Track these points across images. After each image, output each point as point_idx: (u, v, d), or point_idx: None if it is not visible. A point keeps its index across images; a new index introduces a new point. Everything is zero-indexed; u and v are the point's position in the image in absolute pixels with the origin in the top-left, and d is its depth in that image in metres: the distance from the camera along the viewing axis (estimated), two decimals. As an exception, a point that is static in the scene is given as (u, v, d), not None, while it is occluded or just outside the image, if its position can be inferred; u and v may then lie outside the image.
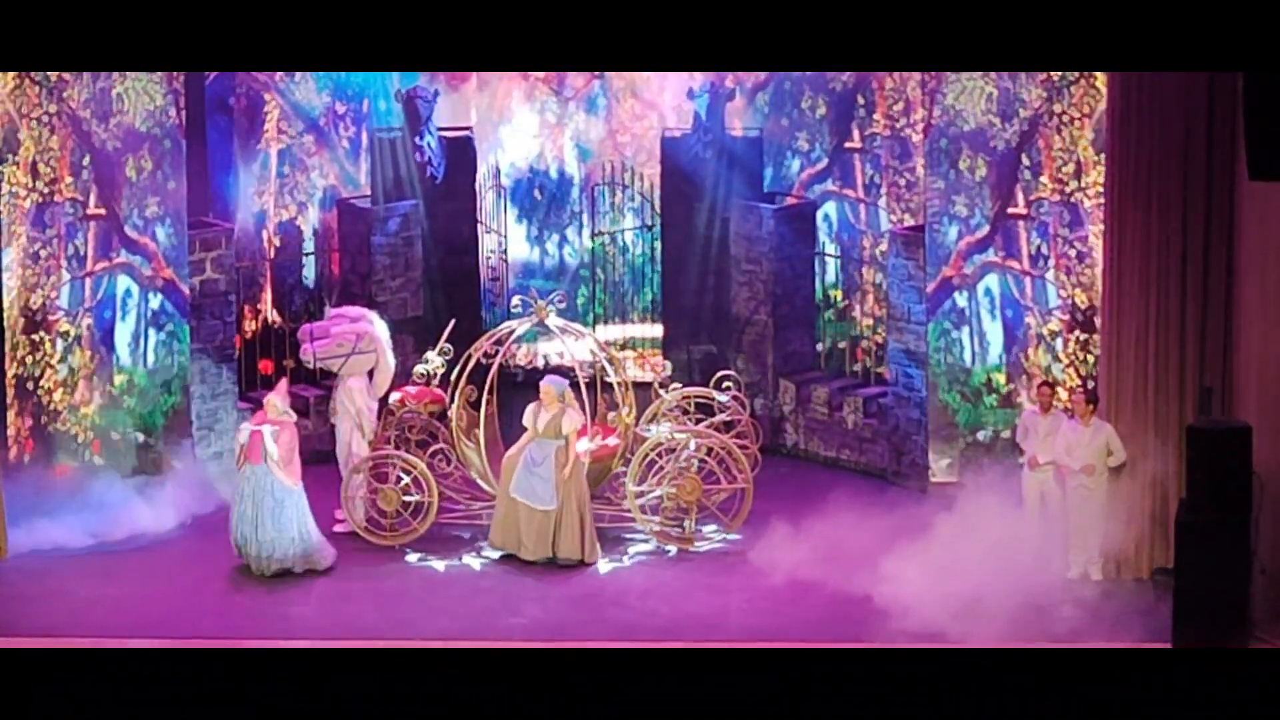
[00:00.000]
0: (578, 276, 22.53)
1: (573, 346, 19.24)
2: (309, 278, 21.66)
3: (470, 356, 19.06)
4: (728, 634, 16.87)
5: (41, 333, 18.98)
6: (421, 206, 21.39)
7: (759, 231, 21.15)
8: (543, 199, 22.60)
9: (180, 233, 19.65)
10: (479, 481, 19.04)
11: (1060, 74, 18.48)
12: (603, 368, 19.27)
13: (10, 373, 18.79)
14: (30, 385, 18.95)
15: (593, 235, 22.38)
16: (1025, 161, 18.96)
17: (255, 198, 21.10)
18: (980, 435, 19.58)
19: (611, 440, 19.09)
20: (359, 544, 18.69)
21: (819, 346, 21.52)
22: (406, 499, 18.68)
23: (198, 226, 19.93)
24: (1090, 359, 18.65)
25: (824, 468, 20.75)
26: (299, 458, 18.18)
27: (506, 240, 22.40)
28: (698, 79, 21.22)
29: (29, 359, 18.93)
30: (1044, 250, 19.02)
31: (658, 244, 22.03)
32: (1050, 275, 19.01)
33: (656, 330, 22.25)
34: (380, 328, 19.29)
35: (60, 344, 19.10)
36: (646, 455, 18.74)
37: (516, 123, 22.46)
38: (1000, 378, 19.47)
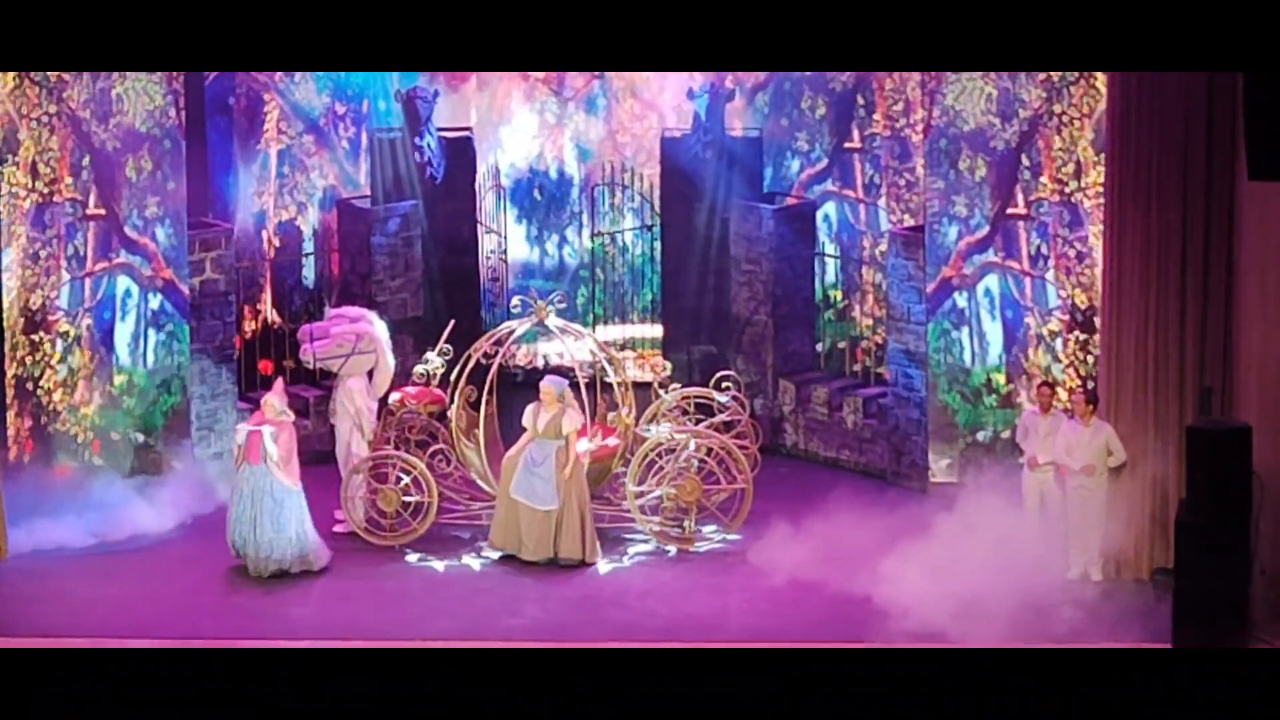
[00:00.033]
0: (577, 277, 22.53)
1: (572, 347, 19.24)
2: (309, 278, 21.66)
3: (470, 357, 19.05)
4: (727, 634, 16.87)
5: (41, 333, 18.97)
6: (421, 207, 21.39)
7: (759, 232, 21.15)
8: (542, 199, 22.60)
9: (180, 233, 19.65)
10: (479, 482, 19.03)
11: (1060, 74, 18.48)
12: (602, 368, 19.27)
13: (10, 373, 18.79)
14: (30, 385, 18.95)
15: (592, 235, 22.38)
16: (1025, 162, 18.96)
17: (255, 198, 21.10)
18: (980, 435, 19.58)
19: (611, 440, 19.09)
20: (359, 544, 18.69)
21: (819, 347, 21.52)
22: (406, 499, 18.67)
23: (198, 227, 19.92)
24: (1090, 359, 18.65)
25: (824, 468, 20.74)
26: (297, 458, 18.18)
27: (506, 240, 22.40)
28: (697, 79, 21.22)
29: (29, 359, 18.93)
30: (1044, 250, 19.02)
31: (657, 244, 22.03)
32: (1050, 275, 19.00)
33: (656, 330, 22.26)
34: (380, 328, 19.28)
35: (60, 344, 19.09)
36: (646, 455, 18.74)
37: (516, 123, 22.46)
38: (1000, 378, 19.46)
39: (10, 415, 18.77)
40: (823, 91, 21.23)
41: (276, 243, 21.38)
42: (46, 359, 19.02)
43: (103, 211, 19.21)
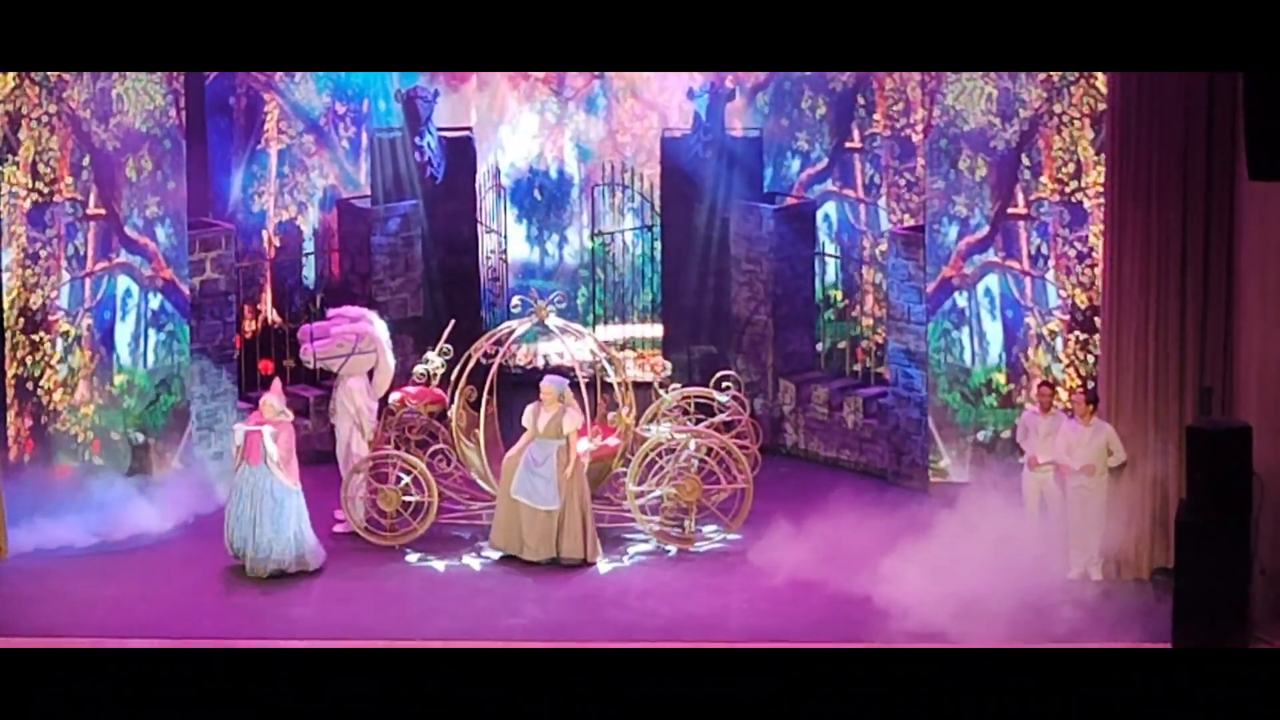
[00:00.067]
0: (578, 277, 22.53)
1: (573, 347, 19.24)
2: (309, 278, 21.66)
3: (470, 357, 19.05)
4: (728, 634, 16.86)
5: (41, 333, 18.97)
6: (421, 207, 21.39)
7: (759, 231, 21.15)
8: (543, 199, 22.60)
9: (180, 233, 19.65)
10: (479, 482, 19.03)
11: (1060, 74, 18.48)
12: (603, 368, 19.27)
13: (10, 373, 18.79)
14: (30, 385, 18.95)
15: (593, 235, 22.37)
16: (1025, 161, 18.96)
17: (255, 198, 21.10)
18: (980, 435, 19.58)
19: (611, 440, 19.09)
20: (359, 544, 18.70)
21: (819, 346, 21.52)
22: (406, 499, 18.67)
23: (198, 227, 19.92)
24: (1090, 359, 18.65)
25: (824, 468, 20.74)
26: (296, 458, 18.19)
27: (506, 240, 22.40)
28: (698, 79, 21.23)
29: (29, 359, 18.93)
30: (1044, 250, 19.02)
31: (658, 244, 22.03)
32: (1050, 275, 19.00)
33: (656, 330, 22.26)
34: (380, 328, 19.29)
35: (60, 344, 19.09)
36: (646, 455, 18.74)
37: (516, 123, 22.46)
38: (1000, 378, 19.47)
39: (10, 415, 18.77)
40: (823, 91, 21.23)
41: (277, 243, 21.38)
42: (47, 359, 19.02)
43: (103, 211, 19.22)
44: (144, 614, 17.26)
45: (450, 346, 19.23)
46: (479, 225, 22.09)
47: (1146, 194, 17.41)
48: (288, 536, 17.95)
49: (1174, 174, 17.31)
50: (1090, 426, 17.59)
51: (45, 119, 18.69)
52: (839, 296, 21.49)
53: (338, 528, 18.93)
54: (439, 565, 18.39)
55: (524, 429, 18.46)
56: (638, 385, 19.57)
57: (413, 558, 18.52)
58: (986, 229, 19.34)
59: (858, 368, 21.18)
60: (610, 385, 19.19)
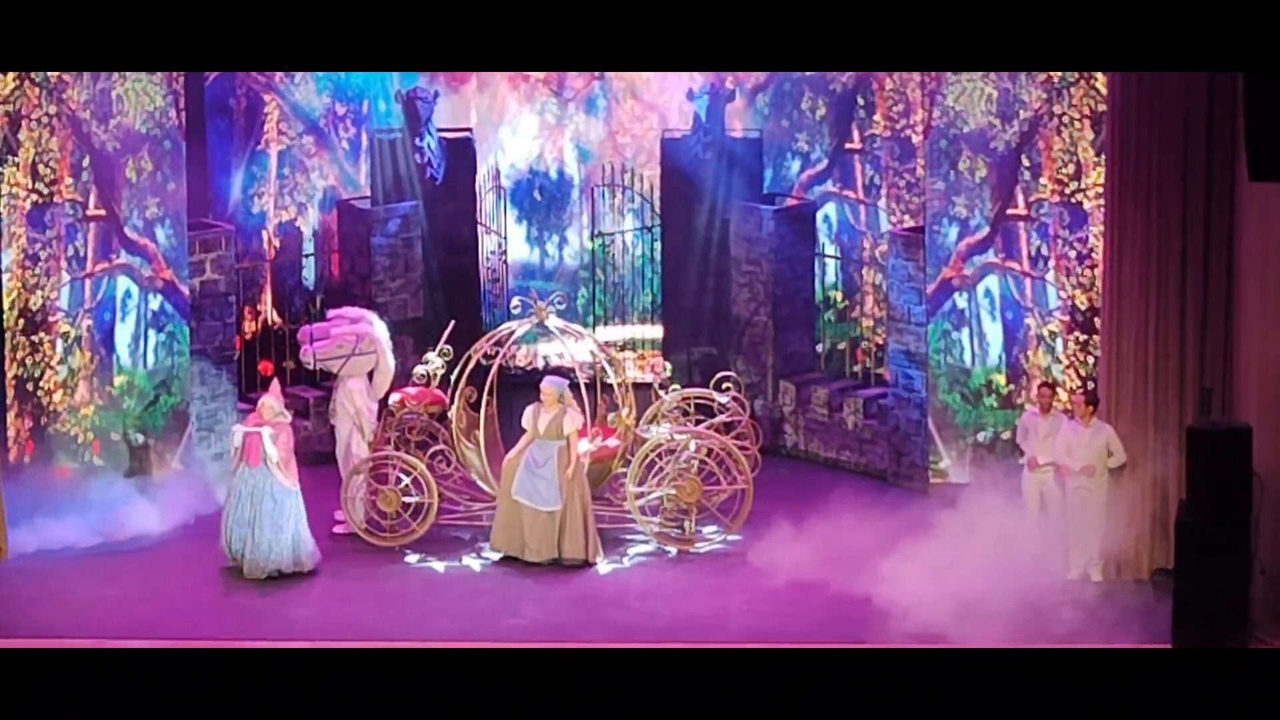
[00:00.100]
0: (577, 278, 22.53)
1: (572, 347, 19.23)
2: (309, 279, 21.66)
3: (470, 358, 19.05)
4: (728, 635, 16.86)
5: (41, 334, 18.98)
6: (421, 207, 21.39)
7: (759, 233, 21.15)
8: (543, 200, 22.60)
9: (180, 234, 19.65)
10: (479, 483, 19.03)
11: (1060, 75, 18.48)
12: (603, 369, 19.27)
13: (10, 374, 18.79)
14: (30, 386, 18.95)
15: (592, 236, 22.37)
16: (1025, 162, 18.96)
17: (255, 199, 21.10)
18: (980, 436, 19.59)
19: (611, 441, 19.08)
20: (359, 545, 18.69)
21: (819, 348, 21.52)
22: (406, 500, 18.67)
23: (197, 228, 19.92)
24: (1090, 360, 18.65)
25: (824, 469, 20.74)
26: (294, 458, 18.18)
27: (506, 241, 22.40)
28: (698, 80, 21.23)
29: (29, 360, 18.93)
30: (1044, 251, 19.02)
31: (657, 245, 22.03)
32: (1050, 276, 19.01)
33: (656, 331, 22.25)
34: (380, 329, 19.28)
35: (60, 345, 19.10)
36: (646, 456, 18.74)
37: (516, 124, 22.46)
38: (1000, 379, 19.47)
39: (10, 416, 18.77)
40: (823, 92, 21.23)
41: (277, 243, 21.38)
42: (47, 360, 19.02)
43: (103, 212, 19.22)
44: (144, 614, 17.25)
45: (450, 347, 19.23)
46: (479, 226, 22.09)
47: (1146, 194, 17.41)
48: (287, 537, 17.95)
49: (1174, 174, 17.31)
50: (1090, 427, 17.58)
51: (45, 120, 18.69)
52: (839, 297, 21.49)
53: (338, 529, 18.93)
54: (439, 566, 18.38)
55: (524, 430, 18.46)
56: (638, 386, 19.57)
57: (413, 559, 18.51)
58: (986, 230, 19.34)
59: (858, 369, 21.18)
60: (610, 386, 19.19)
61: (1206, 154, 17.22)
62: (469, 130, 21.95)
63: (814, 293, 21.47)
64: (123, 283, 19.47)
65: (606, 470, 19.03)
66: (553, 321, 19.13)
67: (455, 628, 17.02)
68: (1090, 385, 18.42)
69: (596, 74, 21.98)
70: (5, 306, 18.66)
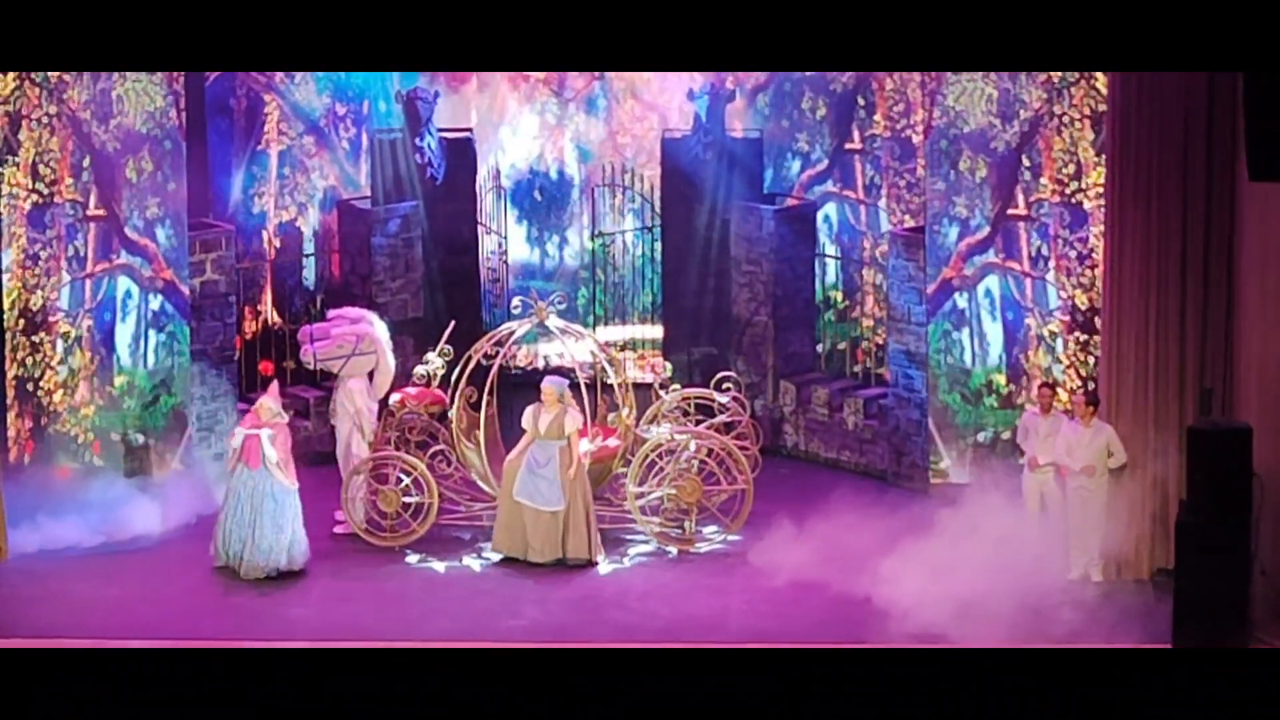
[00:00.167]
0: (578, 278, 22.52)
1: (573, 348, 19.23)
2: (309, 279, 21.66)
3: (470, 358, 19.05)
4: (728, 635, 16.86)
5: (42, 334, 18.98)
6: (422, 208, 21.39)
7: (759, 233, 21.15)
8: (543, 200, 22.59)
9: (180, 234, 19.66)
10: (479, 483, 19.03)
11: (1060, 75, 18.48)
12: (603, 369, 19.27)
13: (10, 374, 18.80)
14: (30, 386, 18.95)
15: (593, 236, 22.37)
16: (1026, 162, 18.96)
17: (255, 199, 21.09)
18: (980, 436, 19.59)
19: (612, 441, 19.08)
20: (359, 545, 18.69)
21: (819, 348, 21.52)
22: (407, 500, 18.67)
23: (198, 228, 19.93)
24: (1091, 360, 18.65)
25: (824, 469, 20.74)
26: (293, 459, 18.18)
27: (507, 241, 22.39)
28: (698, 80, 21.23)
29: (29, 360, 18.94)
30: (1044, 251, 19.02)
31: (658, 245, 22.02)
32: (1050, 276, 19.01)
33: (657, 331, 22.25)
34: (380, 329, 19.28)
35: (60, 345, 19.10)
36: (647, 456, 18.74)
37: (517, 124, 22.45)
38: (1000, 379, 19.47)
39: (11, 416, 18.78)
40: (823, 92, 21.23)
41: (277, 244, 21.37)
42: (47, 360, 19.02)
43: (103, 212, 19.22)
44: (144, 614, 17.25)
45: (450, 348, 19.23)
46: (479, 226, 22.09)
47: (1146, 194, 17.41)
48: (286, 537, 17.95)
49: (1174, 174, 17.31)
50: (1090, 427, 17.58)
51: (45, 120, 18.70)
52: (839, 298, 21.49)
53: (338, 529, 18.93)
54: (439, 566, 18.38)
55: (524, 430, 18.46)
56: (638, 386, 19.58)
57: (413, 559, 18.51)
58: (987, 230, 19.34)
59: (858, 369, 21.18)
60: (610, 386, 19.19)
61: (1206, 154, 17.22)
62: (469, 130, 21.95)
63: (814, 293, 21.47)
64: (123, 283, 19.48)
65: (607, 470, 19.02)
66: (553, 321, 19.13)
67: (455, 628, 17.02)
68: (1090, 385, 18.42)
69: (597, 74, 21.98)
70: (5, 306, 18.67)
